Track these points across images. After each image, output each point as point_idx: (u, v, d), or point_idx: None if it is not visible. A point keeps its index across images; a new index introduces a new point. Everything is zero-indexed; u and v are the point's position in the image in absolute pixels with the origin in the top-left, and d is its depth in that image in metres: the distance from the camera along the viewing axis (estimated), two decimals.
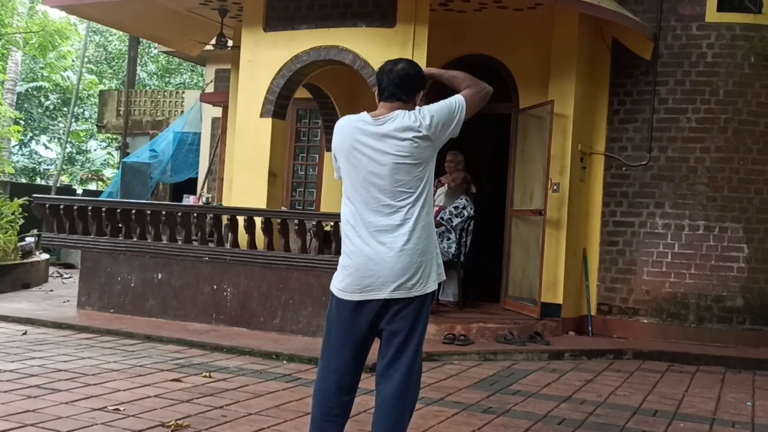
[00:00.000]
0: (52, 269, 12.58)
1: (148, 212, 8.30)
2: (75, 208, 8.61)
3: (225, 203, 10.16)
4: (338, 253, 6.08)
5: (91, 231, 8.53)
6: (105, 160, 28.81)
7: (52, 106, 28.02)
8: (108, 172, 27.50)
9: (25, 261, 10.83)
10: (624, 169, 8.89)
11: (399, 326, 3.21)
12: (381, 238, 3.18)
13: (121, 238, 8.38)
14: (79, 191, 23.31)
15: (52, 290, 10.35)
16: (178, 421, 4.39)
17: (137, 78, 23.26)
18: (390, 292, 3.17)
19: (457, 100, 3.31)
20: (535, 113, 8.80)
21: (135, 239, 8.31)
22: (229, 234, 7.98)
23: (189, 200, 12.44)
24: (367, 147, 3.21)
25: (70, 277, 12.00)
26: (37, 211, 8.96)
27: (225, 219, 8.15)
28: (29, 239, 12.08)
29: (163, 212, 8.26)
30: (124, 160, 16.28)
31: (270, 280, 7.67)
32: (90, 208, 8.58)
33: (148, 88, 25.34)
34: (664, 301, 8.64)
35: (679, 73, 8.71)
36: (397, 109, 3.24)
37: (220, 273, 7.87)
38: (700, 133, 8.63)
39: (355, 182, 3.24)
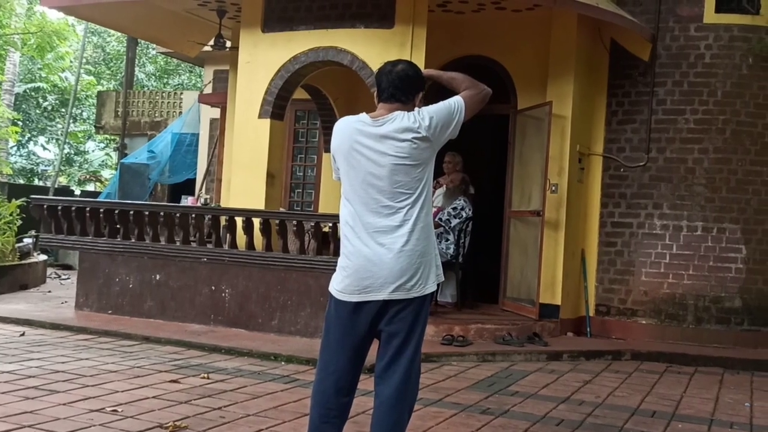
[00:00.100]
0: (50, 270, 12.57)
1: (146, 213, 8.29)
2: (73, 209, 8.60)
3: (223, 204, 10.15)
4: (337, 254, 6.08)
5: (89, 232, 8.52)
6: (103, 161, 28.78)
7: (50, 107, 28.00)
8: (106, 173, 27.48)
9: (23, 262, 10.81)
10: (622, 170, 8.90)
11: (398, 327, 3.21)
12: (380, 239, 3.17)
13: (119, 239, 8.37)
14: (77, 192, 23.27)
15: (50, 291, 10.34)
16: (176, 423, 4.38)
17: (135, 79, 23.22)
18: (389, 294, 3.17)
19: (456, 102, 3.30)
20: (533, 114, 8.80)
21: (133, 240, 8.30)
22: (228, 235, 7.97)
23: (187, 201, 12.42)
24: (366, 148, 3.20)
25: (68, 278, 11.99)
26: (35, 212, 8.95)
27: (223, 220, 8.15)
28: (27, 240, 12.07)
29: (162, 213, 8.25)
30: (122, 161, 16.27)
31: (268, 281, 7.66)
32: (88, 209, 8.57)
33: (146, 89, 25.32)
34: (662, 302, 8.65)
35: (677, 74, 8.72)
36: (396, 110, 3.24)
37: (219, 274, 7.87)
38: (698, 134, 8.64)
39: (354, 183, 3.24)
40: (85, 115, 28.51)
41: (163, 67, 29.07)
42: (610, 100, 9.00)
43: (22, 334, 7.12)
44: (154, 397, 4.98)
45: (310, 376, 5.63)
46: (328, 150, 10.10)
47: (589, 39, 8.85)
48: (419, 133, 3.19)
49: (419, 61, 7.35)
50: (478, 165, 10.05)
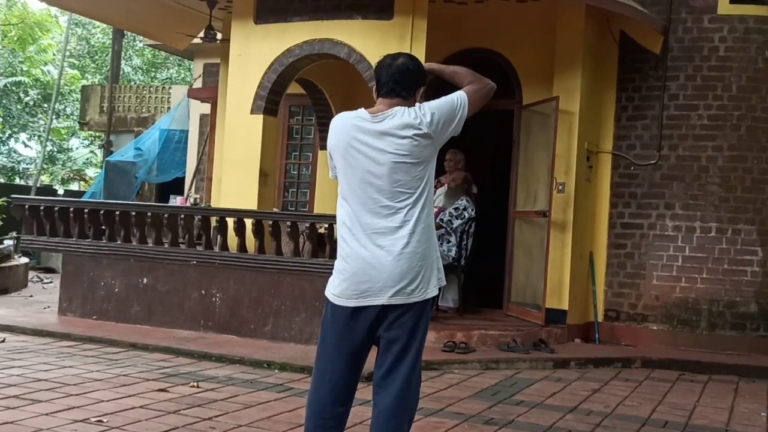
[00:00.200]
0: (31, 274, 12.56)
1: (133, 214, 8.28)
2: (56, 209, 8.59)
3: (214, 204, 10.15)
4: (333, 256, 6.08)
5: (73, 233, 8.51)
6: (87, 159, 28.77)
7: (32, 102, 27.96)
8: (91, 172, 27.47)
9: (3, 265, 10.80)
10: (632, 168, 8.90)
11: (397, 333, 3.21)
12: (379, 240, 3.17)
13: (104, 241, 8.37)
14: (61, 192, 23.27)
15: (31, 296, 10.33)
16: None
17: (121, 73, 23.20)
18: (388, 298, 3.16)
19: (459, 97, 3.30)
20: (539, 110, 8.81)
21: (119, 242, 8.29)
22: (218, 237, 7.97)
23: (176, 201, 12.42)
24: (364, 145, 3.20)
25: (50, 282, 11.98)
26: (16, 213, 8.94)
27: (214, 221, 8.14)
28: (8, 242, 12.06)
29: (149, 214, 8.24)
30: (107, 159, 16.26)
31: (261, 285, 7.66)
32: (72, 209, 8.56)
33: (132, 83, 25.32)
34: (674, 307, 8.65)
35: (690, 68, 8.73)
36: (396, 106, 3.24)
37: (209, 278, 7.86)
38: (712, 131, 8.65)
39: (351, 182, 3.23)
40: (68, 110, 28.50)
41: (151, 60, 29.06)
42: (620, 95, 9.00)
43: (3, 341, 7.11)
44: (141, 407, 4.98)
45: (305, 384, 5.63)
46: (324, 147, 10.07)
47: (597, 31, 8.85)
48: (420, 129, 3.18)
49: (419, 54, 7.35)
50: (481, 163, 10.05)
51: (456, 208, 8.78)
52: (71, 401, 5.00)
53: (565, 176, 8.45)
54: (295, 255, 7.65)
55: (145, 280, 8.11)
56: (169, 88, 18.20)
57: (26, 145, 29.06)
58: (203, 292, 7.87)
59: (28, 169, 28.40)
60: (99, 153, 24.25)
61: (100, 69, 29.53)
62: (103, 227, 8.41)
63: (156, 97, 17.46)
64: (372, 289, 3.16)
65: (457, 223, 8.70)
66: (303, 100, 10.62)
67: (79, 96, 22.10)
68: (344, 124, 3.28)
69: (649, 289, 8.76)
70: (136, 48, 28.16)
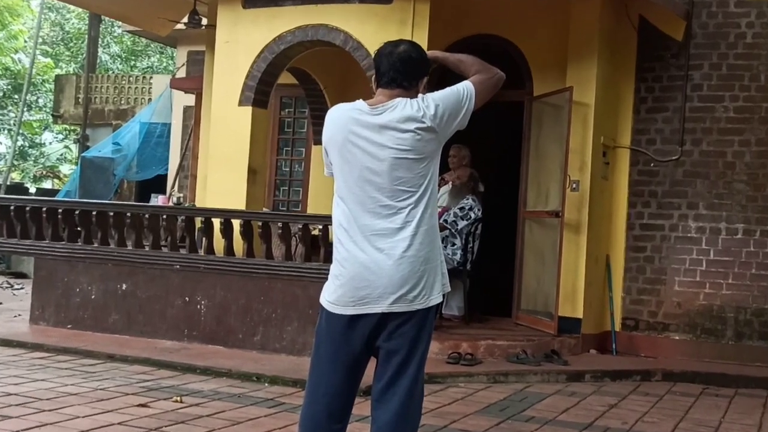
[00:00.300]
0: (0, 279, 12.54)
1: (111, 214, 8.28)
2: (27, 209, 8.59)
3: (198, 204, 10.14)
4: (328, 260, 6.06)
5: (46, 235, 8.51)
6: (62, 154, 28.78)
7: (1, 93, 27.97)
8: (65, 169, 27.47)
9: None
10: (652, 164, 8.90)
11: (398, 344, 3.21)
12: (378, 243, 3.17)
13: (79, 244, 8.36)
14: (32, 190, 23.26)
15: (1, 303, 10.32)
16: None
17: (99, 61, 23.21)
18: (388, 305, 3.16)
19: (465, 88, 3.30)
20: (551, 101, 8.81)
21: (96, 245, 8.29)
22: (204, 239, 7.96)
23: (157, 200, 12.43)
24: (363, 140, 3.20)
25: (21, 288, 11.97)
26: None
27: (199, 222, 8.14)
28: None
29: (128, 214, 8.24)
30: (83, 154, 16.26)
31: (250, 291, 7.65)
32: (44, 209, 8.56)
33: (110, 72, 25.32)
34: (698, 315, 8.65)
35: (715, 56, 8.72)
36: (397, 97, 3.24)
37: (193, 283, 7.86)
38: (739, 124, 8.65)
39: (348, 180, 3.23)
40: (41, 102, 28.49)
41: (130, 47, 29.04)
42: (639, 86, 9.00)
43: None
44: (119, 423, 4.97)
45: (298, 399, 5.63)
46: (318, 142, 10.11)
47: (614, 16, 8.85)
48: (423, 122, 3.18)
49: (421, 41, 7.34)
50: (488, 159, 10.05)
51: (461, 208, 8.78)
52: (44, 417, 4.99)
53: (580, 173, 8.45)
54: (286, 259, 7.64)
55: (124, 286, 8.10)
56: (150, 77, 18.19)
57: None
58: (187, 299, 7.86)
59: None
60: (74, 148, 24.24)
61: (75, 57, 29.52)
62: (79, 229, 8.40)
63: (136, 88, 17.45)
64: (371, 296, 3.16)
65: (462, 224, 8.70)
66: (295, 90, 10.61)
67: (52, 86, 22.08)
68: (341, 117, 3.28)
69: (670, 295, 8.76)
70: (114, 34, 28.14)
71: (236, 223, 7.79)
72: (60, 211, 8.49)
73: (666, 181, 8.85)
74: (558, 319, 8.31)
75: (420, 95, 3.27)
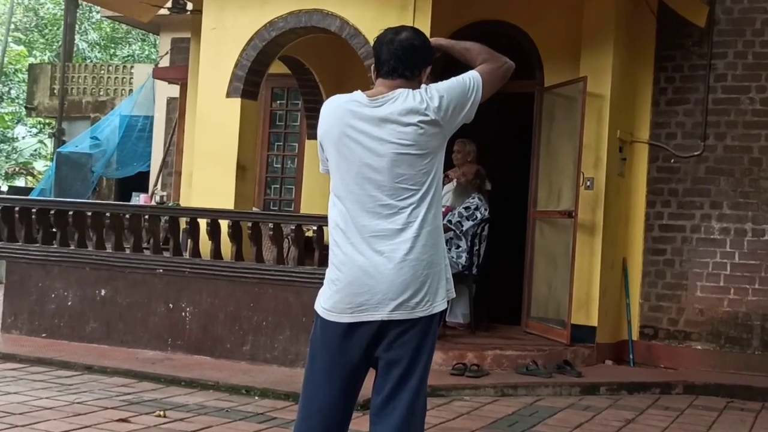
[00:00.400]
0: None
1: (89, 214, 8.28)
2: None
3: (183, 203, 10.15)
4: (323, 264, 6.06)
5: (19, 237, 8.50)
6: (36, 149, 28.75)
7: None
8: (39, 165, 27.45)
9: None
10: (673, 161, 8.91)
11: (399, 354, 3.20)
12: (378, 245, 3.17)
13: (55, 246, 8.36)
14: (4, 188, 23.25)
15: None
16: None
17: (76, 49, 23.20)
18: (389, 313, 3.16)
19: (471, 78, 3.30)
20: (563, 93, 8.81)
21: (72, 247, 8.29)
22: (189, 241, 7.96)
23: (139, 199, 12.42)
24: (361, 134, 3.20)
25: None
26: None
27: (183, 222, 8.13)
28: None
29: (108, 214, 8.24)
30: (59, 150, 16.24)
31: (239, 297, 7.65)
32: (17, 209, 8.55)
33: (89, 61, 25.32)
34: (721, 323, 8.65)
35: (740, 44, 8.73)
36: (398, 88, 3.24)
37: (178, 289, 7.85)
38: (766, 117, 8.65)
39: (346, 177, 3.23)
40: (13, 93, 28.49)
41: (110, 34, 29.06)
42: (658, 76, 9.01)
43: None
44: None
45: (291, 413, 5.63)
46: (312, 137, 10.11)
47: (632, 0, 8.85)
48: (427, 115, 3.18)
49: (424, 27, 7.34)
50: (495, 155, 10.05)
51: (466, 208, 8.78)
52: None
53: (594, 170, 8.45)
54: (278, 262, 7.64)
55: (102, 292, 8.10)
56: (131, 67, 18.18)
57: None
58: (171, 305, 7.86)
59: None
60: (49, 143, 24.24)
61: (50, 45, 29.53)
62: (54, 230, 8.40)
63: (116, 78, 17.44)
64: (370, 302, 3.16)
65: (467, 225, 8.70)
66: (288, 81, 10.61)
67: (25, 76, 22.08)
68: (337, 110, 3.28)
69: (692, 302, 8.76)
70: (92, 20, 28.15)
71: (224, 224, 7.78)
72: (34, 210, 8.48)
73: (687, 179, 8.85)
74: (571, 328, 8.31)
75: (423, 86, 3.27)
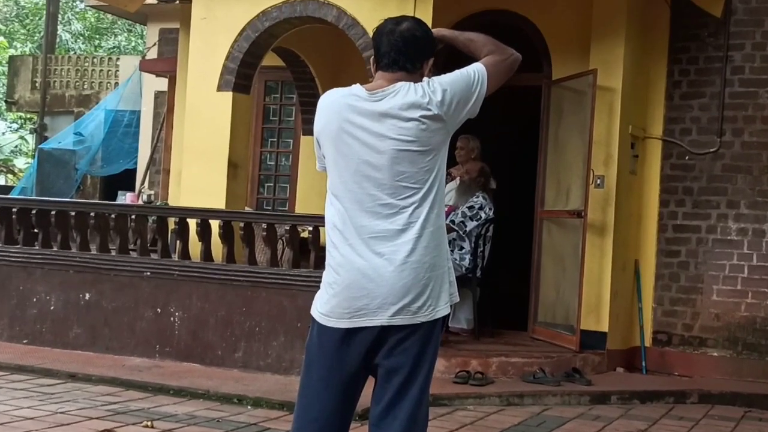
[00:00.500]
0: None
1: (73, 214, 8.28)
2: None
3: (172, 202, 10.14)
4: (320, 266, 6.04)
5: None
6: (16, 146, 28.73)
7: None
8: (20, 162, 27.43)
9: None
10: (687, 157, 8.91)
11: (400, 361, 3.21)
12: (378, 247, 3.17)
13: (37, 248, 8.36)
14: None
15: None
16: None
17: (58, 40, 23.21)
18: (389, 318, 3.16)
19: (476, 70, 3.30)
20: (572, 86, 8.81)
21: (55, 249, 8.29)
22: (178, 242, 7.96)
23: (125, 198, 12.42)
24: (360, 129, 3.20)
25: None
26: None
27: (172, 222, 8.13)
28: None
29: (92, 214, 8.24)
30: (41, 146, 16.25)
31: (230, 301, 7.65)
32: None
33: (72, 53, 25.31)
34: (739, 329, 8.65)
35: (759, 35, 8.73)
36: (399, 81, 3.24)
37: (166, 293, 7.86)
38: None
39: (344, 175, 3.23)
40: None
41: (95, 25, 29.05)
42: (672, 68, 9.01)
43: None
44: None
45: (285, 424, 5.63)
46: (308, 132, 10.10)
47: None
48: (429, 110, 3.18)
49: (426, 17, 7.35)
50: (500, 152, 10.05)
51: (470, 207, 8.78)
52: None
53: (605, 168, 8.45)
54: (272, 265, 7.64)
55: (87, 296, 8.10)
56: (117, 59, 18.17)
57: None
58: (159, 310, 7.86)
59: None
60: (30, 139, 24.24)
61: (31, 36, 29.51)
62: (36, 231, 8.40)
63: (101, 71, 17.43)
64: (369, 307, 3.16)
65: (471, 225, 8.70)
66: (282, 74, 10.61)
67: (5, 69, 22.08)
68: (335, 104, 3.28)
69: (707, 306, 8.76)
70: (76, 10, 28.14)
71: (215, 224, 7.78)
72: (14, 210, 8.48)
73: (703, 177, 8.85)
74: (580, 333, 8.31)
75: (425, 79, 3.27)
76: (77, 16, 28.71)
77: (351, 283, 3.18)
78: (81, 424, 5.60)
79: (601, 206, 8.46)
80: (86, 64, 17.71)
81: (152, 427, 5.64)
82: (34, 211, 8.41)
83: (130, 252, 8.21)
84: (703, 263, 8.81)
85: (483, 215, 8.74)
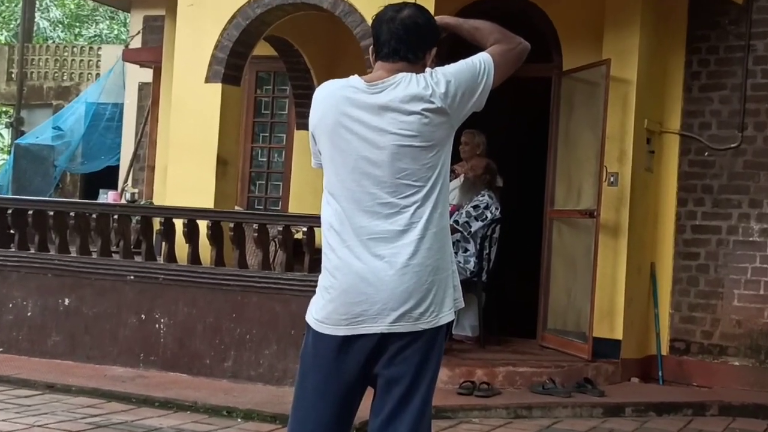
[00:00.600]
0: None
1: (51, 213, 8.28)
2: None
3: (157, 201, 10.15)
4: (315, 269, 6.04)
5: None
6: None
7: None
8: None
9: None
10: (707, 153, 8.92)
11: (401, 371, 3.20)
12: (377, 249, 3.17)
13: (13, 250, 8.36)
14: None
15: None
16: None
17: (36, 28, 23.20)
18: (389, 324, 3.16)
19: (482, 60, 3.30)
20: (584, 77, 8.82)
21: (33, 251, 8.29)
22: (163, 244, 7.96)
23: (107, 197, 12.41)
24: (358, 123, 3.20)
25: None
26: None
27: (157, 223, 8.13)
28: None
29: (72, 214, 8.24)
30: (17, 141, 16.25)
31: (219, 307, 7.65)
32: None
33: (50, 42, 25.32)
34: (761, 336, 8.66)
35: None
36: (400, 72, 3.24)
37: (151, 298, 7.86)
38: None
39: (341, 172, 3.23)
40: None
41: (74, 12, 29.06)
42: (690, 59, 9.02)
43: None
44: None
45: None
46: (303, 127, 10.11)
47: None
48: (432, 102, 3.18)
49: (428, 4, 7.32)
50: (507, 148, 10.05)
51: (475, 207, 8.78)
52: None
53: (619, 164, 8.46)
54: (263, 268, 7.64)
55: (66, 302, 8.10)
56: (99, 48, 18.17)
57: None
58: (143, 316, 7.86)
59: None
60: (6, 134, 24.25)
61: (7, 23, 29.52)
62: (12, 231, 8.40)
63: (81, 61, 17.44)
64: (368, 313, 3.16)
65: (476, 225, 8.70)
66: (275, 64, 10.62)
67: None
68: (331, 96, 3.27)
69: (728, 312, 8.77)
70: None
71: (203, 225, 7.78)
72: None
73: (723, 174, 8.86)
74: (592, 341, 8.31)
75: (428, 69, 3.27)
76: (56, 2, 28.72)
77: (349, 287, 3.18)
78: None
79: (615, 206, 8.46)
80: (65, 53, 17.70)
81: None
82: (10, 211, 8.41)
83: (113, 254, 8.21)
84: (724, 266, 8.82)
85: (489, 215, 8.74)
